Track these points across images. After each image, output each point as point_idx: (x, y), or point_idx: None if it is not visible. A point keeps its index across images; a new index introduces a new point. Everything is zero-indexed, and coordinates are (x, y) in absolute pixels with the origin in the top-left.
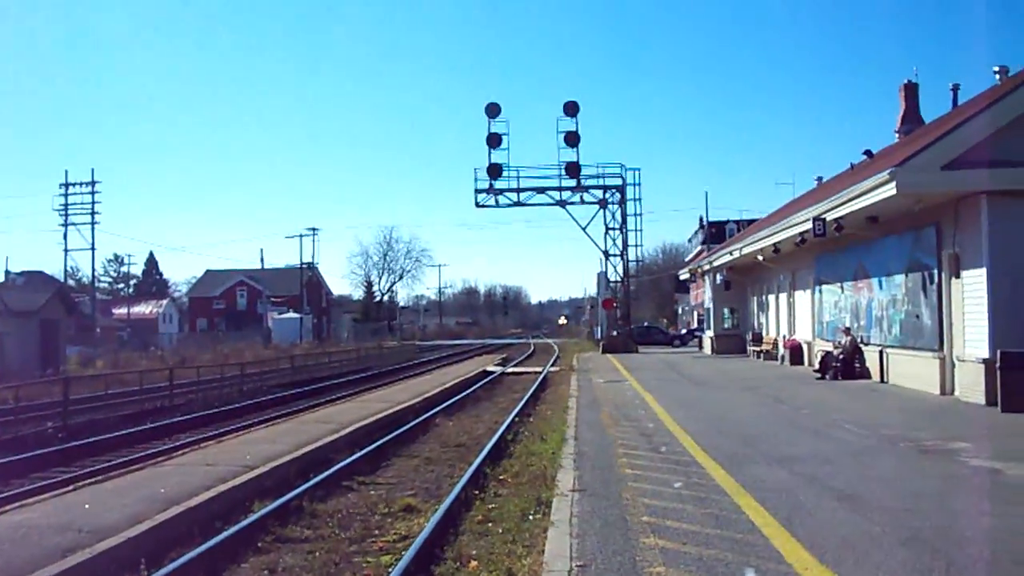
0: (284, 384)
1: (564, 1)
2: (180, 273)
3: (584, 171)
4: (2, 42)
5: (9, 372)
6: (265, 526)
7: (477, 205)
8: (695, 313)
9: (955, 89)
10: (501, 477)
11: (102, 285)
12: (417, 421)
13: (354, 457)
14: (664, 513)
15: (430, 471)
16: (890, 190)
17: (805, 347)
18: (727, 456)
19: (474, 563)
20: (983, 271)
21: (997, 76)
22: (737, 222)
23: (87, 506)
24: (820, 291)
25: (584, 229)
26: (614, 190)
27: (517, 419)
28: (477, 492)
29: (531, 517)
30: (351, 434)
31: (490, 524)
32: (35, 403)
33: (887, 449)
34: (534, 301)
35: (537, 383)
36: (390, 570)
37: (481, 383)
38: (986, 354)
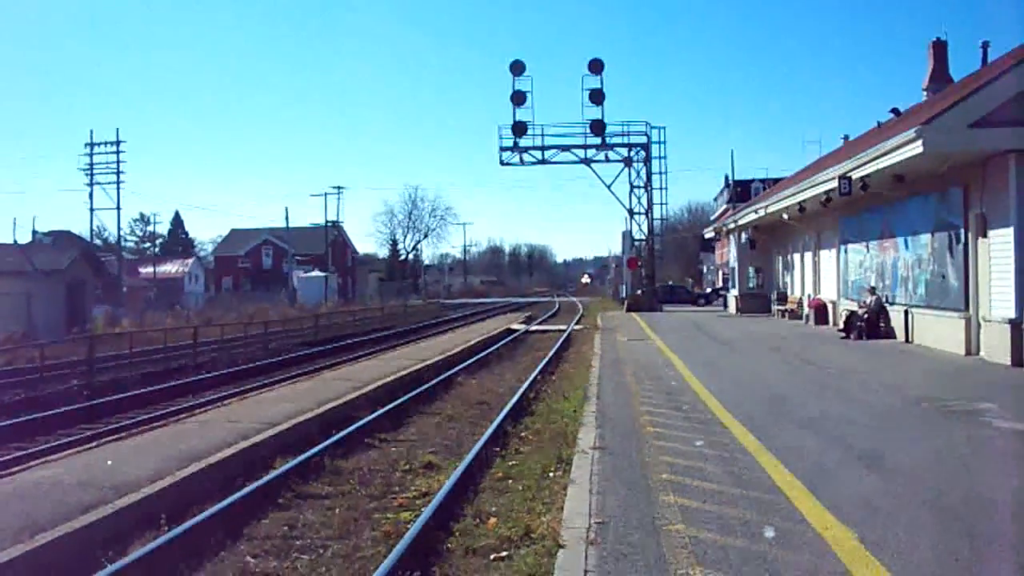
0: (308, 343)
1: None
2: (206, 232)
3: (609, 129)
4: (27, 3)
5: (36, 331)
6: (286, 482)
7: (502, 163)
8: (720, 272)
9: (985, 46)
10: (522, 435)
11: (128, 244)
12: (439, 379)
13: (376, 414)
14: (685, 472)
15: (451, 429)
16: (916, 149)
17: (830, 307)
18: (749, 415)
19: (493, 520)
20: (1010, 231)
21: None
22: (763, 181)
23: (109, 462)
24: (845, 250)
25: (609, 187)
26: (639, 148)
27: (539, 377)
28: (498, 450)
29: (551, 475)
30: (373, 392)
31: (510, 481)
32: (61, 361)
33: (911, 410)
34: (559, 260)
35: (560, 341)
36: (409, 526)
37: (504, 341)
38: (1012, 314)
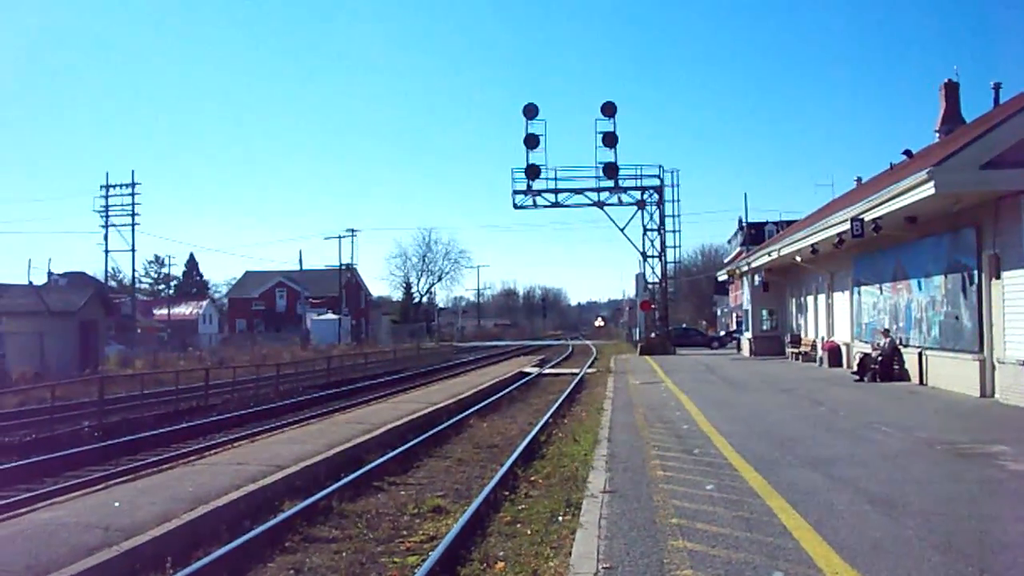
0: (320, 385)
1: (601, 1)
2: (220, 274)
3: (622, 172)
4: (43, 44)
5: (49, 371)
6: (293, 526)
7: (515, 206)
8: (734, 315)
9: (997, 88)
10: (532, 478)
11: (143, 286)
12: (451, 422)
13: (385, 458)
14: (694, 515)
15: (461, 472)
16: (928, 190)
17: (843, 349)
18: (761, 459)
19: (500, 564)
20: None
21: None
22: (776, 223)
23: (116, 504)
24: (858, 292)
25: (622, 230)
26: (652, 191)
27: (551, 420)
28: (507, 493)
29: (560, 519)
30: (383, 435)
31: (518, 525)
32: (72, 402)
33: (923, 452)
34: (573, 303)
35: (573, 384)
36: (416, 570)
37: (517, 384)
38: None
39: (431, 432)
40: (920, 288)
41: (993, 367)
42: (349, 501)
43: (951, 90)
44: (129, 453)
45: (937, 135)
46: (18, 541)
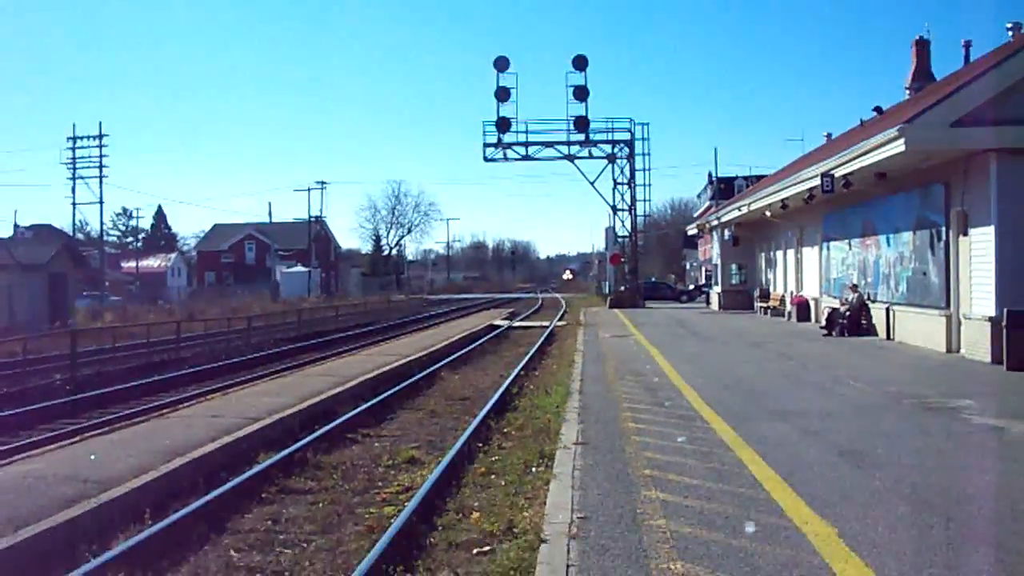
0: (291, 338)
1: None
2: (189, 227)
3: (593, 126)
4: None
5: (17, 325)
6: (269, 477)
7: (486, 159)
8: (703, 269)
9: (967, 46)
10: (505, 430)
11: (111, 239)
12: (422, 374)
13: (358, 410)
14: (666, 467)
15: (434, 424)
16: (899, 147)
17: (812, 304)
18: (731, 411)
19: (476, 514)
20: (991, 229)
21: (1010, 33)
22: (746, 178)
23: (93, 457)
24: (828, 248)
25: (592, 184)
26: (623, 144)
27: (522, 373)
28: (480, 445)
29: (534, 470)
30: (356, 387)
31: (493, 476)
32: (42, 356)
33: (891, 406)
34: (543, 256)
35: (543, 337)
36: (392, 521)
37: (487, 337)
38: (992, 312)
39: (403, 384)
40: (889, 244)
41: (959, 323)
42: (324, 453)
43: (922, 47)
44: (102, 406)
45: (908, 92)
46: None
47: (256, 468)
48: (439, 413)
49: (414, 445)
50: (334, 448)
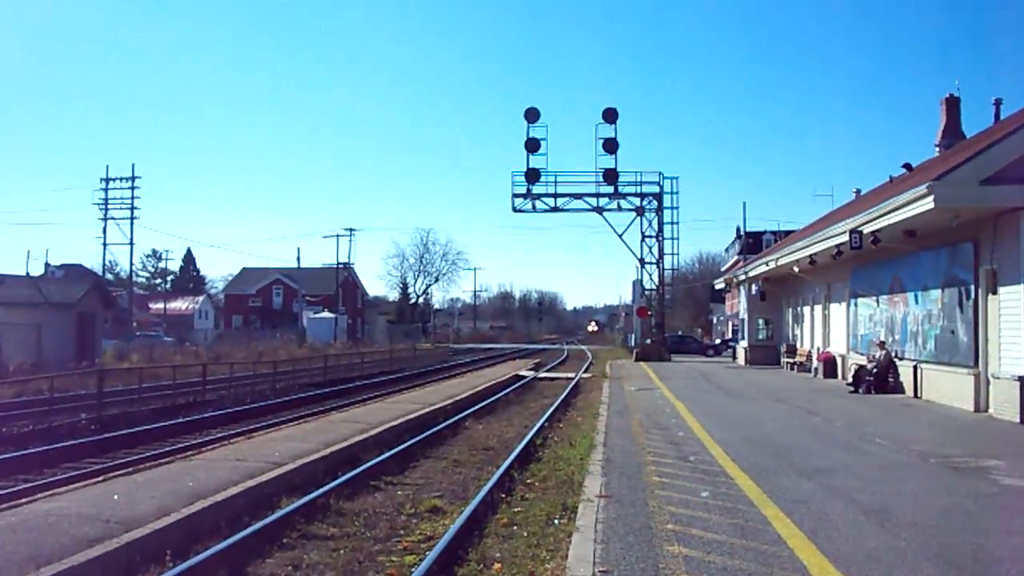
0: (316, 383)
1: (606, 8)
2: (217, 270)
3: (622, 178)
4: (45, 38)
5: (46, 363)
6: (291, 522)
7: (514, 210)
8: (730, 323)
9: (998, 104)
10: (528, 481)
11: (140, 280)
12: (447, 423)
13: (382, 457)
14: (690, 522)
15: (458, 473)
16: (928, 204)
17: (839, 360)
18: (756, 467)
19: (497, 565)
20: (1020, 288)
21: None
22: (774, 233)
23: (116, 497)
24: (855, 304)
25: (620, 236)
26: (651, 198)
27: (547, 424)
28: (504, 495)
29: (556, 522)
30: (380, 434)
31: (515, 527)
32: (70, 394)
33: (917, 465)
34: (569, 307)
35: (569, 389)
36: (413, 570)
37: (513, 387)
38: (1022, 372)
39: (428, 433)
40: (917, 301)
41: (988, 382)
42: (347, 499)
43: (952, 104)
44: (127, 447)
45: (937, 149)
46: (20, 531)
47: (278, 513)
48: (463, 462)
49: (437, 494)
50: (357, 495)
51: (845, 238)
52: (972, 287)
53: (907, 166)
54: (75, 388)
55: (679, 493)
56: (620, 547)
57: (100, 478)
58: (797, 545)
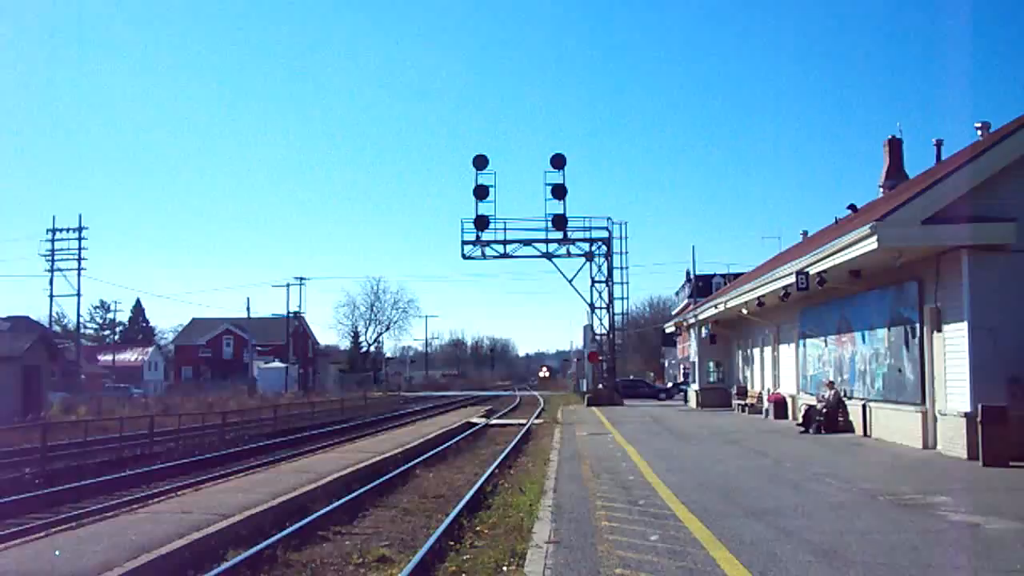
0: (266, 434)
1: (553, 55)
2: (167, 321)
3: (571, 223)
4: None
5: None
6: (237, 575)
7: (464, 256)
8: (681, 367)
9: (939, 144)
10: (478, 528)
11: (88, 331)
12: (397, 472)
13: (331, 507)
14: (638, 565)
15: (407, 522)
16: (871, 244)
17: (789, 401)
18: (705, 509)
19: None
20: (964, 325)
21: (979, 132)
22: (724, 276)
23: (57, 553)
24: (804, 345)
25: (571, 281)
26: (600, 243)
27: (497, 471)
28: (452, 543)
29: (505, 569)
30: (329, 484)
31: (464, 575)
32: (13, 449)
33: (866, 503)
34: (521, 353)
35: (520, 435)
36: None
37: (464, 435)
38: (967, 408)
39: (377, 482)
40: (864, 341)
41: (935, 419)
42: (294, 550)
43: (894, 146)
44: (71, 501)
45: (881, 190)
46: None
47: (223, 566)
48: (412, 511)
49: (385, 543)
50: (304, 545)
51: (792, 280)
52: (917, 325)
53: (852, 207)
54: (20, 443)
55: (628, 537)
56: None
57: (42, 534)
58: None
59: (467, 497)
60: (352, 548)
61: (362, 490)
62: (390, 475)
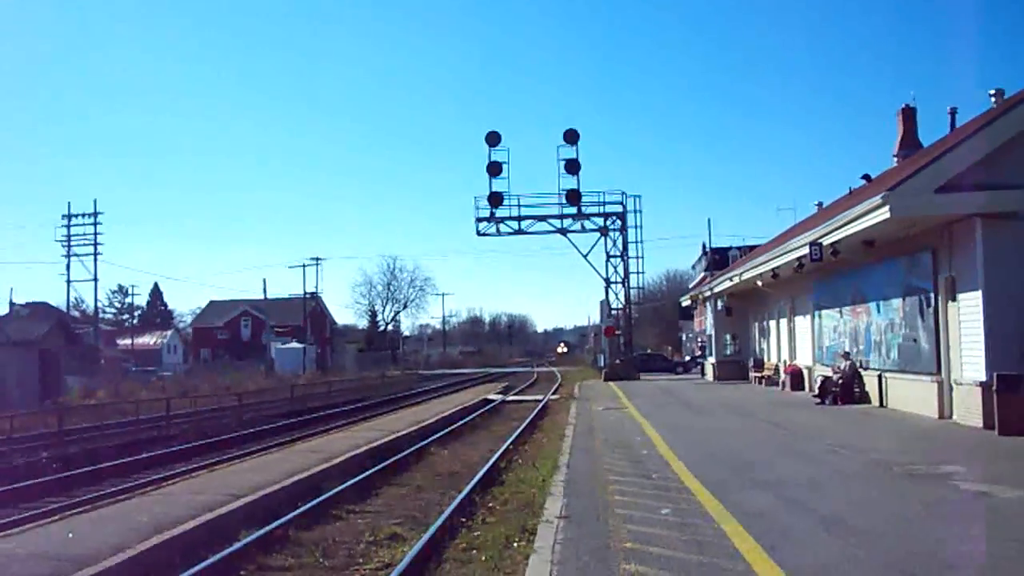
0: (282, 414)
1: (564, 30)
2: (184, 303)
3: (585, 199)
4: (6, 72)
5: (9, 402)
6: (248, 555)
7: (478, 233)
8: (698, 340)
9: (953, 113)
10: (490, 505)
11: (107, 316)
12: (411, 450)
13: (343, 486)
14: (648, 539)
15: (419, 499)
16: (883, 214)
17: (805, 372)
18: (717, 482)
19: None
20: (979, 294)
21: (993, 99)
22: (740, 248)
23: (71, 535)
24: (819, 316)
25: (586, 257)
26: (615, 217)
27: (511, 447)
28: (464, 520)
29: (515, 544)
30: (343, 463)
31: (474, 551)
32: (31, 433)
33: (879, 473)
34: (539, 329)
35: (536, 411)
36: None
37: (480, 411)
38: (983, 377)
39: (391, 460)
40: (879, 311)
41: (950, 388)
42: (305, 530)
43: (908, 115)
44: (87, 484)
45: (895, 159)
46: None
47: (235, 546)
48: (425, 488)
49: (397, 521)
50: (316, 525)
51: (806, 251)
52: (932, 295)
53: (866, 177)
54: (37, 427)
55: (639, 511)
56: (576, 567)
57: (56, 517)
58: (755, 559)
59: (480, 474)
60: (364, 526)
61: (375, 468)
62: (404, 453)
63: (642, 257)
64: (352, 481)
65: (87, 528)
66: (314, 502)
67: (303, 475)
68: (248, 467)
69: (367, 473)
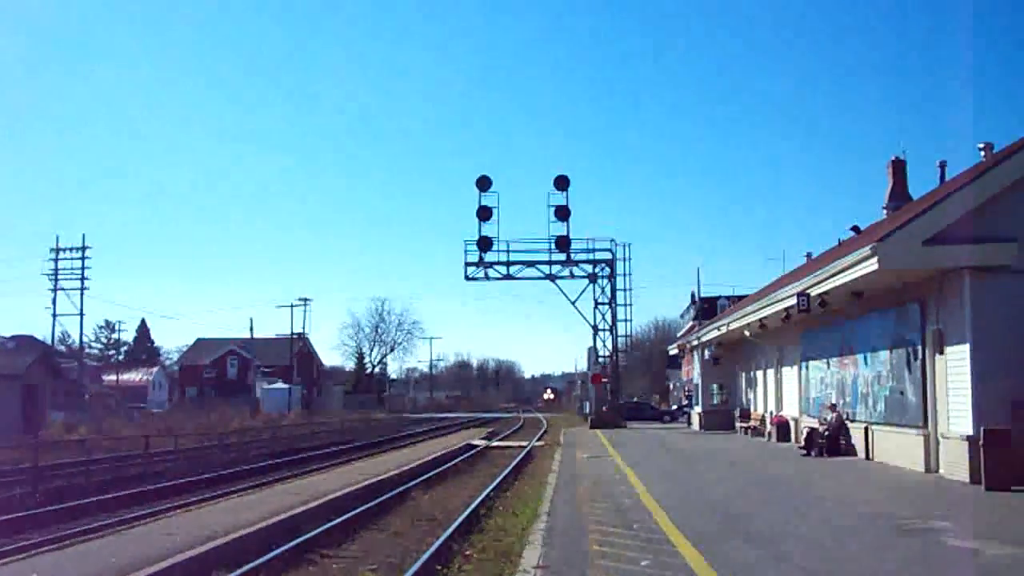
0: (265, 454)
1: (555, 75)
2: (171, 341)
3: (574, 245)
4: None
5: None
6: None
7: (467, 278)
8: (685, 389)
9: (942, 165)
10: (467, 552)
11: (93, 351)
12: (393, 493)
13: (320, 529)
14: None
15: (397, 545)
16: (872, 265)
17: (792, 423)
18: (701, 534)
19: None
20: (966, 347)
21: (982, 152)
22: (729, 298)
23: (34, 575)
24: (806, 367)
25: (574, 303)
26: (604, 264)
27: (493, 494)
28: (440, 567)
29: None
30: (322, 505)
31: None
32: (6, 467)
33: (865, 527)
34: (527, 375)
35: (520, 457)
36: None
37: (464, 456)
38: (970, 431)
39: (371, 503)
40: (866, 363)
41: (937, 442)
42: (279, 573)
43: (898, 167)
44: (59, 522)
45: (885, 212)
46: None
47: None
48: (403, 533)
49: (372, 567)
50: (290, 568)
51: (793, 301)
52: (920, 347)
53: (855, 229)
54: (17, 461)
55: (619, 562)
56: None
57: (23, 555)
58: None
59: (459, 520)
60: (339, 571)
61: (355, 512)
62: (385, 496)
63: (630, 305)
64: (330, 524)
65: (57, 566)
66: (289, 545)
67: (281, 517)
68: (225, 507)
69: (346, 516)
